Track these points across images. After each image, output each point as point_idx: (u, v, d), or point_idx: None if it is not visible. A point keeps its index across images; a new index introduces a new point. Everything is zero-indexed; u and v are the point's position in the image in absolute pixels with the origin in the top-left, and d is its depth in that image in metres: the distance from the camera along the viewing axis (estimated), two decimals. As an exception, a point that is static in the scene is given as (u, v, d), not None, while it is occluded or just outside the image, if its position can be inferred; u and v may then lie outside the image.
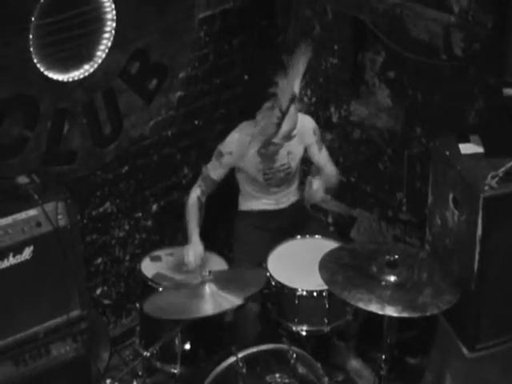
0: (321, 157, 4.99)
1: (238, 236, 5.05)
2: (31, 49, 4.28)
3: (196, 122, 5.36)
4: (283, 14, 5.61)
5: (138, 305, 4.64)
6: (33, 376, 4.29)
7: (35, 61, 4.32)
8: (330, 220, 5.80)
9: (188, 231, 4.81)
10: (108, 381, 4.46)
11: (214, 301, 4.11)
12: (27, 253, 4.14)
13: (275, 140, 4.65)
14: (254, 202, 5.02)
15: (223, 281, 4.24)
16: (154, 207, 5.31)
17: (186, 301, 4.16)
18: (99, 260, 5.11)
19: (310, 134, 4.90)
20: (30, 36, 4.25)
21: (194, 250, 4.71)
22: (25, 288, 4.18)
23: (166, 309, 4.18)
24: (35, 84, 4.38)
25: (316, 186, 4.65)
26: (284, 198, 5.03)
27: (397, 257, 4.10)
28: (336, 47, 5.41)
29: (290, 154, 4.87)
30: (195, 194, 4.86)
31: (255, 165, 4.84)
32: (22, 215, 4.11)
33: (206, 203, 4.87)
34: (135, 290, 5.12)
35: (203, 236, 4.77)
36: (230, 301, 4.12)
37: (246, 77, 5.54)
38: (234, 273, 4.65)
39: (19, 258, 4.13)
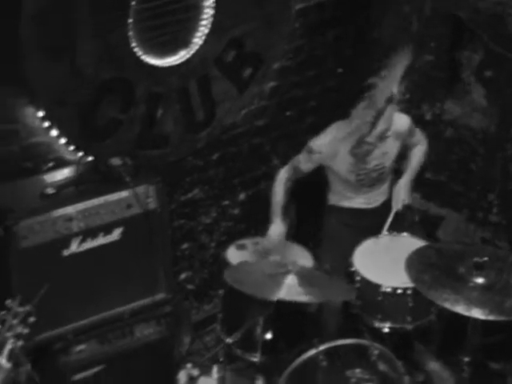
0: (414, 152, 4.96)
1: (326, 231, 5.03)
2: (130, 33, 4.34)
3: (287, 113, 5.36)
4: (379, 8, 5.56)
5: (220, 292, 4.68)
6: (116, 355, 4.32)
7: (133, 45, 4.38)
8: (416, 218, 5.74)
9: (271, 211, 4.81)
10: (189, 365, 4.50)
11: (289, 292, 4.11)
12: (117, 233, 4.19)
13: (368, 140, 4.61)
14: (345, 200, 5.00)
15: (307, 278, 4.23)
16: (242, 196, 5.33)
17: (264, 281, 4.18)
18: (185, 245, 5.16)
19: (405, 134, 4.84)
20: (130, 20, 4.31)
21: (275, 229, 4.73)
22: (113, 268, 4.23)
23: (244, 281, 4.21)
24: (132, 68, 4.44)
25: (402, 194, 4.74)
26: (375, 198, 4.99)
27: (486, 259, 4.03)
28: (432, 44, 5.34)
29: (385, 154, 4.82)
30: (283, 176, 4.85)
31: (347, 165, 4.80)
32: (114, 196, 4.15)
33: (296, 197, 4.86)
34: (219, 277, 5.14)
35: (292, 229, 4.77)
36: (305, 298, 4.12)
37: (339, 70, 5.51)
38: (322, 276, 4.61)
39: (109, 239, 4.17)
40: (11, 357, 2.88)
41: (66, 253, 4.08)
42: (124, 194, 4.18)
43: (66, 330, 4.16)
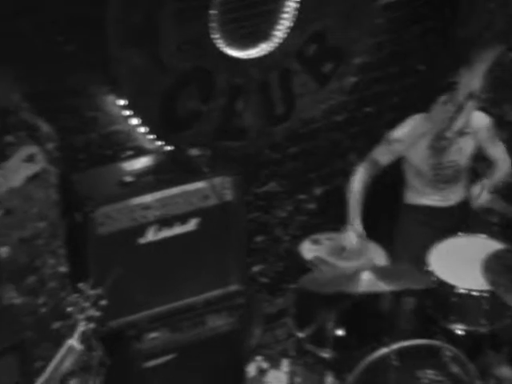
0: (496, 150, 4.86)
1: (401, 230, 4.98)
2: (213, 24, 4.36)
3: (367, 109, 5.32)
4: (466, 4, 5.46)
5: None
6: (187, 344, 4.35)
7: (216, 36, 4.40)
8: (495, 220, 5.63)
9: (349, 211, 4.76)
10: (259, 358, 4.51)
11: (366, 286, 4.08)
12: (193, 224, 4.21)
13: (447, 134, 4.56)
14: (421, 196, 4.93)
15: (382, 272, 4.20)
16: (318, 191, 5.31)
17: (339, 277, 4.18)
18: (259, 238, 5.16)
19: (484, 131, 4.77)
20: (212, 12, 4.33)
21: (354, 232, 4.69)
22: (188, 258, 4.26)
23: (321, 282, 4.20)
24: (213, 59, 4.46)
25: (483, 194, 4.65)
26: (451, 195, 4.92)
27: None
28: (517, 41, 5.24)
29: (460, 151, 4.76)
30: (360, 174, 4.80)
31: (424, 158, 4.75)
32: (191, 187, 4.17)
33: (372, 195, 4.82)
34: (292, 271, 5.13)
35: (366, 226, 4.72)
36: (383, 287, 4.09)
37: (422, 67, 5.44)
38: (397, 268, 4.57)
39: (185, 228, 4.20)
40: (83, 339, 2.93)
41: (141, 241, 4.12)
42: (201, 184, 4.20)
43: (139, 317, 4.21)
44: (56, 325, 4.18)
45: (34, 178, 3.91)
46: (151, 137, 4.44)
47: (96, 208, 3.96)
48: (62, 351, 2.90)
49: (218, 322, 4.41)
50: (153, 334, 4.28)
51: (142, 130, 4.40)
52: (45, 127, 3.97)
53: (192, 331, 4.37)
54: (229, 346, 4.45)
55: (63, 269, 4.15)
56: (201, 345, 4.39)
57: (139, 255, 4.12)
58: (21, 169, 3.86)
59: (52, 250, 4.08)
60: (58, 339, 4.08)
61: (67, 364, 2.90)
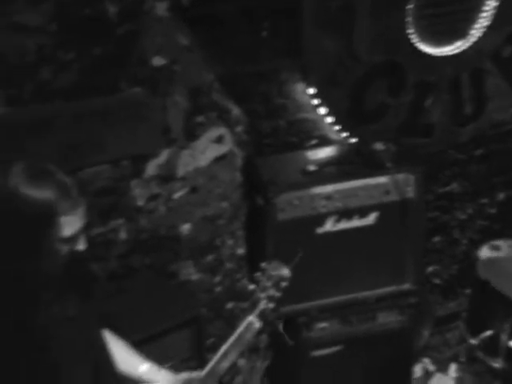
0: None
1: None
2: (408, 18, 4.30)
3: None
4: None
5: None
6: (356, 337, 4.34)
7: (410, 31, 4.34)
8: None
9: None
10: (426, 359, 4.44)
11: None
12: (372, 218, 4.18)
13: None
14: None
15: None
16: (501, 196, 5.16)
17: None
18: (436, 238, 5.07)
19: None
20: (410, 5, 4.28)
21: None
22: (363, 252, 4.23)
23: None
24: (406, 54, 4.40)
25: None
26: None
27: None
28: None
29: None
30: None
31: None
32: (373, 181, 4.15)
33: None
34: (466, 275, 5.02)
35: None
36: None
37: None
38: None
39: (363, 222, 4.17)
40: (262, 317, 2.97)
41: (319, 230, 4.13)
42: (383, 179, 4.16)
43: (311, 305, 4.23)
44: (229, 305, 4.28)
45: (220, 159, 3.99)
46: (337, 127, 4.44)
47: (278, 194, 4.00)
48: (241, 327, 2.95)
49: (388, 319, 4.36)
50: (322, 324, 4.28)
51: (329, 120, 4.40)
52: (235, 110, 4.04)
53: (361, 325, 4.35)
54: (397, 344, 4.40)
55: (241, 251, 4.23)
56: (369, 340, 4.36)
57: (316, 244, 4.12)
58: (209, 149, 3.94)
59: (232, 231, 4.17)
60: (231, 319, 4.21)
61: (245, 340, 2.94)
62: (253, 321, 2.95)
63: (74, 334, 2.60)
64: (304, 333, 4.26)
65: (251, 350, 4.54)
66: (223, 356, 2.93)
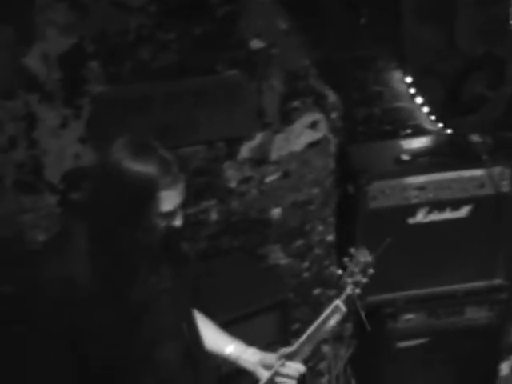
0: None
1: None
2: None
3: None
4: None
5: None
6: (441, 330, 4.33)
7: (513, 23, 4.28)
8: None
9: None
10: (515, 357, 4.39)
11: None
12: (464, 211, 4.14)
13: None
14: None
15: None
16: None
17: None
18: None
19: None
20: (513, -3, 4.22)
21: None
22: (454, 245, 4.20)
23: None
24: (507, 46, 4.33)
25: None
26: None
27: None
28: None
29: None
30: None
31: None
32: (467, 173, 4.11)
33: None
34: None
35: None
36: None
37: None
38: None
39: (455, 214, 4.14)
40: (348, 302, 2.98)
41: (410, 221, 4.12)
42: (478, 172, 4.12)
43: (397, 296, 4.23)
44: (316, 291, 4.30)
45: (314, 144, 4.01)
46: (433, 118, 4.41)
47: (370, 182, 4.00)
48: (328, 310, 2.96)
49: (476, 314, 4.33)
50: (409, 316, 4.27)
51: (425, 109, 4.37)
52: (331, 96, 4.05)
53: (449, 319, 4.33)
54: (485, 340, 4.37)
55: (330, 237, 4.25)
56: (456, 334, 4.34)
57: (406, 235, 4.11)
58: (303, 134, 3.96)
59: (322, 218, 4.19)
60: (317, 305, 4.22)
61: (331, 324, 2.96)
62: (339, 305, 2.96)
63: (167, 309, 2.64)
64: (390, 323, 4.26)
65: (335, 338, 4.57)
66: (308, 338, 2.95)
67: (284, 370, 2.92)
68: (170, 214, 2.52)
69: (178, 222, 2.56)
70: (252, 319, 3.73)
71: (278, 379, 2.92)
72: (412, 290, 4.25)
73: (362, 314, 3.11)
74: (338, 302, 2.97)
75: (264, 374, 2.95)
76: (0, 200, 3.52)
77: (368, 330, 3.24)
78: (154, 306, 2.60)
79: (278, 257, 4.17)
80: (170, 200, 2.51)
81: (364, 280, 3.02)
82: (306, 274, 4.27)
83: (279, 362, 2.92)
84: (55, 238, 2.71)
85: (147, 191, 2.48)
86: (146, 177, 2.46)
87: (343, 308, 2.97)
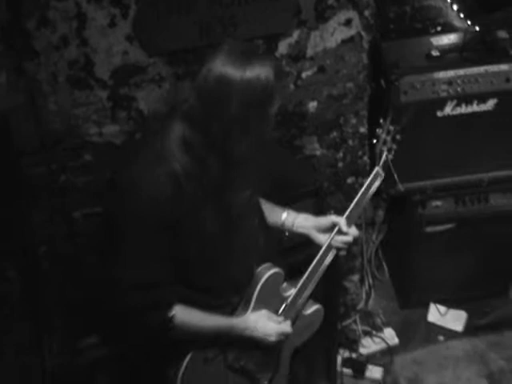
0: None
1: None
2: None
3: None
4: None
5: None
6: (467, 217, 4.53)
7: None
8: None
9: None
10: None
11: None
12: (490, 104, 4.28)
13: None
14: None
15: None
16: None
17: None
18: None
19: None
20: None
21: None
22: (480, 136, 4.36)
23: None
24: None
25: None
26: None
27: None
28: None
29: None
30: None
31: None
32: (494, 68, 4.23)
33: None
34: None
35: None
36: None
37: None
38: None
39: (482, 107, 4.29)
40: (384, 167, 3.26)
41: (439, 114, 4.28)
42: (504, 67, 4.23)
43: (426, 184, 4.43)
44: (350, 180, 4.46)
45: (348, 41, 4.09)
46: (462, 15, 4.51)
47: (401, 77, 4.16)
48: (370, 177, 3.24)
49: (500, 201, 4.53)
50: (436, 203, 4.49)
51: (455, 7, 4.48)
52: (364, -6, 4.13)
53: (474, 206, 4.53)
54: (508, 226, 4.57)
55: (363, 129, 4.36)
56: (480, 220, 4.55)
57: (435, 127, 4.29)
58: (337, 31, 4.06)
59: (355, 111, 4.30)
60: (350, 193, 4.41)
61: (373, 188, 3.24)
62: (379, 171, 3.24)
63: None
64: (419, 209, 4.48)
65: (368, 224, 4.78)
66: (356, 204, 3.23)
67: (340, 235, 3.19)
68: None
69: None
70: (290, 206, 3.94)
71: (335, 243, 3.19)
72: (440, 179, 4.45)
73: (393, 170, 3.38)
74: (377, 168, 3.25)
75: (319, 237, 3.24)
76: (55, 95, 3.65)
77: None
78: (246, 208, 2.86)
79: (315, 148, 4.31)
80: (277, 105, 2.61)
81: (394, 146, 3.32)
82: (340, 164, 4.41)
83: (336, 228, 3.19)
84: (153, 140, 2.78)
85: (269, 96, 2.53)
86: (266, 81, 2.50)
87: (382, 173, 3.26)
